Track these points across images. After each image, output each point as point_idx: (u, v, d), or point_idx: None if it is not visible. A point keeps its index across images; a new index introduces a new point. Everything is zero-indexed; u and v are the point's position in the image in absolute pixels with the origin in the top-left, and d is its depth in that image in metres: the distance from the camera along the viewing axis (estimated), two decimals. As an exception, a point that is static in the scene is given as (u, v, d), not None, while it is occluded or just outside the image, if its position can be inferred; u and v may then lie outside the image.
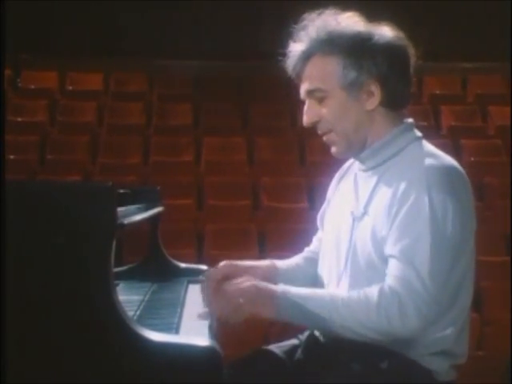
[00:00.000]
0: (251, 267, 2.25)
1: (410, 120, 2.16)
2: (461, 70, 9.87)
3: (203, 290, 2.14)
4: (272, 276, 2.25)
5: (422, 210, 1.96)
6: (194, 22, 9.65)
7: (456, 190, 1.99)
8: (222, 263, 2.24)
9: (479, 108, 9.23)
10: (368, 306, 1.94)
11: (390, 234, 1.98)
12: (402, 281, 1.94)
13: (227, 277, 2.13)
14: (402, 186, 2.00)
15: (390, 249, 1.98)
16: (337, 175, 2.31)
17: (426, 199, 1.96)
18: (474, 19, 9.72)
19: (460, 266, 2.02)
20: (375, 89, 2.07)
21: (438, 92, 9.57)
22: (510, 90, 9.00)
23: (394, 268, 1.97)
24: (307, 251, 2.38)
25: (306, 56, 2.10)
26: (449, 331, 2.03)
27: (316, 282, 2.24)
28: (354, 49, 2.06)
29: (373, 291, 1.96)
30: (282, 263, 2.32)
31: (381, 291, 1.95)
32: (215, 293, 2.04)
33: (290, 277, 2.27)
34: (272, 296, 1.97)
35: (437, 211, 1.95)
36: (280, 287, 2.00)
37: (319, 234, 2.35)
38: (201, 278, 2.29)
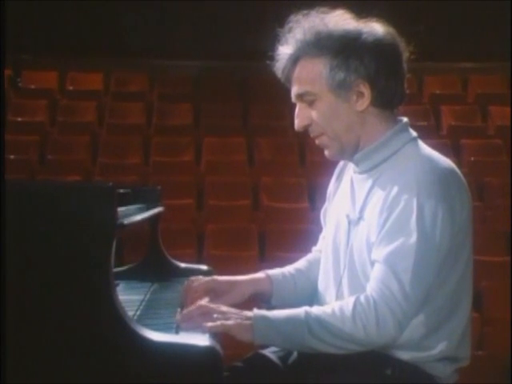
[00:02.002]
0: (237, 283, 2.22)
1: (405, 119, 2.11)
2: (461, 69, 9.87)
3: (181, 297, 2.17)
4: (265, 289, 2.23)
5: (410, 217, 1.92)
6: (194, 22, 9.65)
7: (448, 196, 1.95)
8: (208, 278, 2.25)
9: (479, 108, 9.23)
10: (343, 317, 1.92)
11: (378, 240, 1.96)
12: (382, 287, 1.92)
13: (209, 292, 2.15)
14: (394, 191, 1.96)
15: (376, 254, 1.96)
16: (336, 171, 2.28)
17: (415, 206, 1.92)
18: (474, 19, 9.72)
19: (456, 272, 2.00)
20: (364, 89, 2.02)
21: (438, 92, 9.58)
22: (510, 90, 9.00)
23: (376, 273, 1.95)
24: (315, 251, 2.35)
25: (294, 59, 2.06)
26: (452, 337, 2.01)
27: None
28: (341, 49, 2.01)
29: (348, 302, 1.95)
30: (278, 273, 2.27)
31: (356, 301, 1.93)
32: (190, 305, 2.06)
33: (288, 286, 2.25)
34: (247, 319, 1.94)
35: (425, 219, 1.92)
36: (255, 311, 1.97)
37: (324, 231, 2.32)
38: (186, 282, 2.29)
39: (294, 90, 2.09)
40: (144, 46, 9.58)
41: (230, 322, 1.93)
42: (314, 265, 2.28)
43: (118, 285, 2.42)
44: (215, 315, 1.95)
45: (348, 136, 2.06)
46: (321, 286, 2.20)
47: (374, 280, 1.95)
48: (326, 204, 2.28)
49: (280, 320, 1.95)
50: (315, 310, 1.97)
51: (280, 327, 1.94)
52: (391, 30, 2.07)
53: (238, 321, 1.94)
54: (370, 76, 2.02)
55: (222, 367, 1.76)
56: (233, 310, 2.00)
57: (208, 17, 9.68)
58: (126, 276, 2.74)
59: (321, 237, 2.33)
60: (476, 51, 9.65)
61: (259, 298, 2.25)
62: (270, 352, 2.19)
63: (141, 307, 2.26)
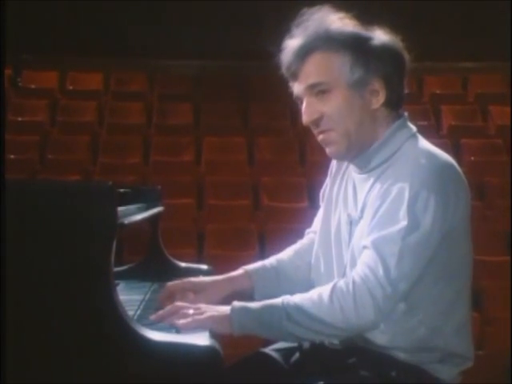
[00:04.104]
0: (213, 282, 2.22)
1: (405, 114, 2.12)
2: (461, 69, 9.86)
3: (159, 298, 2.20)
4: (243, 286, 2.22)
5: (401, 205, 1.92)
6: (194, 22, 9.65)
7: (443, 190, 1.94)
8: (184, 280, 2.25)
9: (479, 107, 9.23)
10: (320, 299, 1.92)
11: (370, 228, 1.96)
12: (366, 270, 1.91)
13: (186, 293, 2.16)
14: (388, 183, 1.97)
15: (365, 239, 1.96)
16: None
17: (407, 195, 1.92)
18: (474, 19, 9.72)
19: (456, 273, 2.00)
20: (380, 88, 2.04)
21: (438, 91, 9.57)
22: (510, 90, 9.00)
23: (363, 257, 1.94)
24: (307, 233, 2.35)
25: (305, 52, 2.04)
26: (455, 338, 2.01)
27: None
28: (361, 47, 2.03)
29: (326, 287, 1.95)
30: (258, 267, 2.26)
31: (334, 284, 1.93)
32: (165, 303, 2.08)
33: (270, 278, 2.24)
34: (225, 311, 1.95)
35: (416, 207, 1.91)
36: (233, 303, 1.97)
37: (320, 213, 2.30)
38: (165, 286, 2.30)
39: (305, 82, 2.05)
40: (144, 45, 9.57)
41: (202, 317, 1.93)
42: (303, 253, 2.28)
43: (117, 284, 2.42)
44: (190, 312, 1.95)
45: (357, 133, 2.05)
46: (320, 278, 2.18)
47: (360, 263, 1.94)
48: (327, 182, 2.27)
49: (257, 308, 1.95)
50: (294, 297, 1.96)
51: (258, 315, 1.93)
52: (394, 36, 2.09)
53: (213, 313, 1.94)
54: (386, 76, 2.04)
55: (222, 366, 1.76)
56: (210, 306, 2.00)
57: (208, 17, 9.68)
58: (125, 276, 2.74)
59: (316, 219, 2.32)
60: (476, 51, 9.64)
61: (239, 296, 2.20)
62: (272, 350, 2.19)
63: (141, 307, 2.26)
